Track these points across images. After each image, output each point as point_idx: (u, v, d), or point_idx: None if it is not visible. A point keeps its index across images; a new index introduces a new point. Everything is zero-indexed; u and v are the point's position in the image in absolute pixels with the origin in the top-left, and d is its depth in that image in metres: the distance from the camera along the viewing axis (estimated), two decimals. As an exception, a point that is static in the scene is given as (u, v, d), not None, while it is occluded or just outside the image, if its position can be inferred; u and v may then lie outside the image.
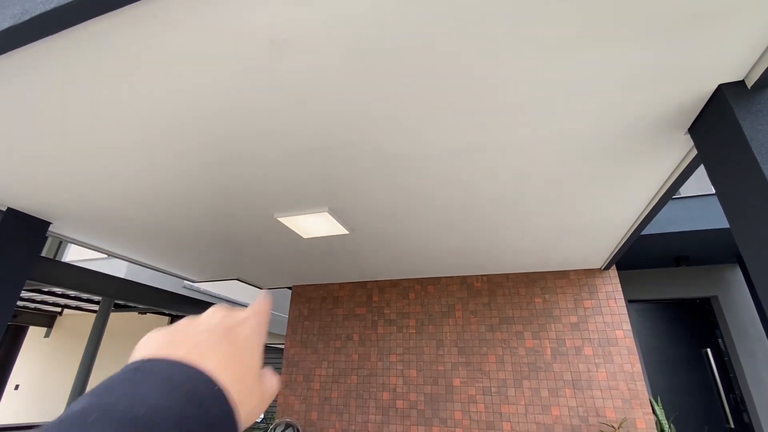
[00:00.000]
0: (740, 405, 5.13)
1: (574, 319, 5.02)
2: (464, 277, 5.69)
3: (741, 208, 1.92)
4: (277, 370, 6.40)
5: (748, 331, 5.25)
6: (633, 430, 4.30)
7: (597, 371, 4.69)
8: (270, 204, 3.42)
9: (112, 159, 2.74)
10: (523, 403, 4.78)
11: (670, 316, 5.81)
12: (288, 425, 2.48)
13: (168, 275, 6.07)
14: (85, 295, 6.74)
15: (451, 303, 5.59)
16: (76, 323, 9.04)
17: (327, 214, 3.48)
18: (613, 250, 4.47)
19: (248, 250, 4.76)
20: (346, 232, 3.98)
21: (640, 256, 5.32)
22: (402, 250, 4.65)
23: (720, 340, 5.47)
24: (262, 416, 2.94)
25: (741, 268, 5.25)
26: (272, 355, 6.87)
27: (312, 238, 4.26)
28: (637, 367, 4.59)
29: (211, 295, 8.71)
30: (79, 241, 4.55)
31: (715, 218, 4.56)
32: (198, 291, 8.61)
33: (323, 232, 4.01)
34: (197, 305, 7.39)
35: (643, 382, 4.52)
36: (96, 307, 7.50)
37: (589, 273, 5.20)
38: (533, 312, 5.20)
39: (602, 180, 2.95)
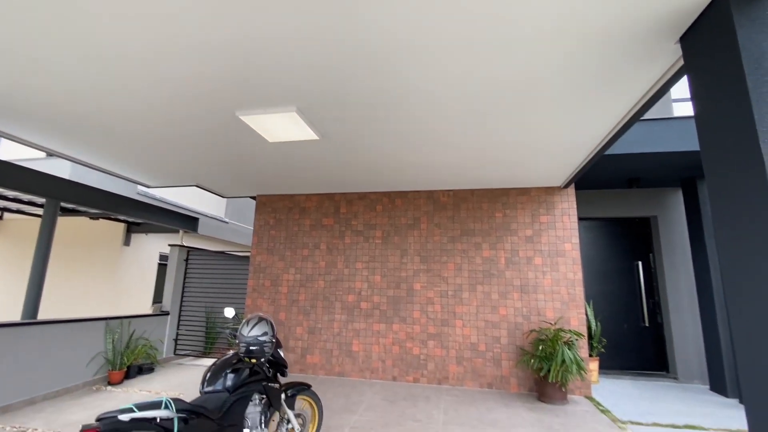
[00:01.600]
0: (656, 308, 6.01)
1: (529, 232, 5.36)
2: (431, 192, 5.77)
3: (715, 123, 1.95)
4: (244, 276, 6.54)
5: (676, 248, 5.93)
6: (566, 326, 4.95)
7: (543, 278, 5.19)
8: (230, 99, 3.09)
9: (49, 43, 2.24)
10: (475, 304, 5.29)
11: (613, 233, 6.38)
12: (261, 319, 2.56)
13: (120, 179, 5.65)
14: (26, 197, 6.21)
15: (417, 216, 5.74)
16: (23, 228, 8.50)
17: (295, 114, 3.22)
18: (576, 169, 4.63)
19: (208, 153, 4.44)
20: (316, 137, 3.76)
21: (596, 176, 5.59)
22: (372, 162, 4.54)
23: (651, 255, 6.17)
24: (233, 312, 3.01)
25: (683, 190, 5.70)
26: (238, 263, 6.93)
27: (279, 142, 4.02)
28: (579, 276, 5.12)
29: (169, 203, 8.37)
30: (13, 137, 4.00)
31: (672, 141, 4.77)
32: (154, 198, 8.21)
33: (291, 136, 3.76)
34: (153, 212, 7.10)
35: (581, 288, 5.09)
36: (41, 211, 7.01)
37: (549, 191, 5.44)
38: (493, 225, 5.48)
39: (578, 93, 2.88)
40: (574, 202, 5.34)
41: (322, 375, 5.53)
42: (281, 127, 3.52)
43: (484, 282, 5.33)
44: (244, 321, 2.54)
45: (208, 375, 2.35)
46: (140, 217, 6.96)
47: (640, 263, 6.19)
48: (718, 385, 5.06)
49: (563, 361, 4.25)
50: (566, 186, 5.35)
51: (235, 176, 5.41)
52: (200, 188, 6.01)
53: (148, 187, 6.05)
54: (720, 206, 1.92)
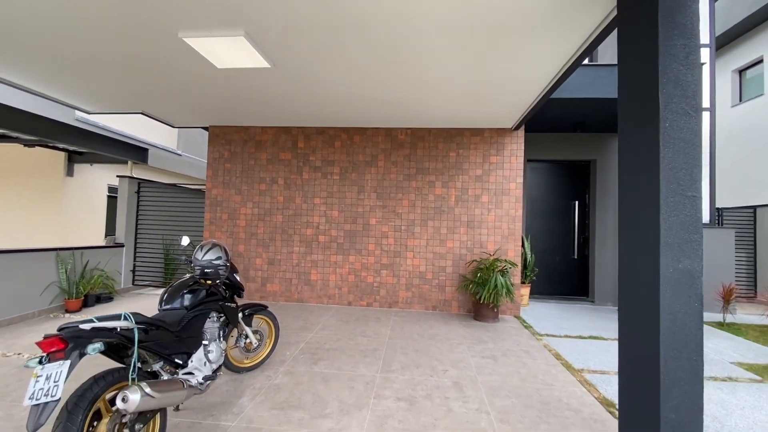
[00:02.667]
0: (585, 243, 6.77)
1: (479, 172, 5.67)
2: (389, 130, 5.83)
3: (628, 73, 2.16)
4: (201, 210, 6.51)
5: (609, 190, 6.54)
6: (504, 257, 5.50)
7: (488, 214, 5.62)
8: (171, 17, 2.89)
9: None
10: (425, 238, 5.70)
11: (556, 174, 6.87)
12: (214, 245, 2.70)
13: (55, 102, 5.19)
14: (-59, 120, 5.58)
15: (374, 153, 5.84)
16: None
17: (243, 39, 3.09)
18: (527, 109, 4.84)
19: (152, 78, 4.17)
20: (267, 65, 3.64)
21: (544, 120, 5.86)
22: (328, 96, 4.47)
23: (587, 196, 6.77)
24: (188, 241, 3.11)
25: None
26: (194, 196, 6.84)
27: (228, 69, 3.85)
28: (519, 213, 5.59)
29: (114, 132, 7.80)
30: None
31: (614, 88, 5.04)
32: (97, 126, 7.61)
33: (241, 62, 3.61)
34: (95, 141, 6.66)
35: (521, 224, 5.59)
36: (-37, 136, 6.35)
37: (501, 132, 5.67)
38: (446, 165, 5.72)
39: (534, 33, 2.97)
40: (522, 144, 5.64)
41: (282, 302, 5.89)
42: (229, 52, 3.37)
43: (435, 218, 5.70)
44: (198, 246, 2.67)
45: (166, 295, 2.52)
46: (81, 145, 6.53)
47: (576, 203, 6.80)
48: (625, 305, 5.96)
49: (495, 286, 4.82)
50: (516, 128, 5.59)
51: (184, 105, 5.15)
52: (147, 116, 5.67)
53: (87, 113, 5.62)
54: (624, 152, 2.21)
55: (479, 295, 4.98)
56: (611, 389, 3.21)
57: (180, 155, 10.13)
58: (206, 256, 2.60)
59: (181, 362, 2.33)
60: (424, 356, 3.79)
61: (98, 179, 8.38)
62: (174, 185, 7.07)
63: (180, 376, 2.30)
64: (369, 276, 5.76)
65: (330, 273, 5.83)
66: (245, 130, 6.09)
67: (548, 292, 6.82)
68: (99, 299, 5.59)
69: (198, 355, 2.46)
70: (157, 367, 2.17)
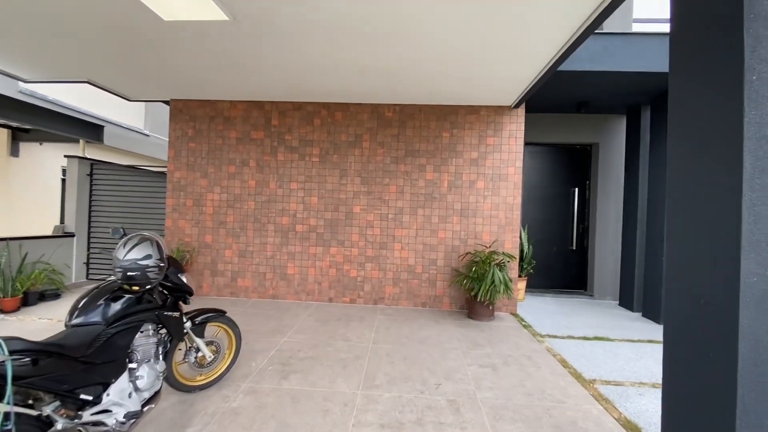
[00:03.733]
0: (585, 233, 6.34)
1: (474, 155, 5.12)
2: (376, 106, 5.20)
3: (694, 5, 1.60)
4: (161, 194, 5.80)
5: (611, 176, 6.09)
6: (500, 248, 5.01)
7: (484, 202, 5.09)
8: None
9: None
10: (415, 227, 5.15)
11: (555, 159, 6.38)
12: (143, 239, 2.08)
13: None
14: None
15: (359, 133, 5.21)
16: None
17: (186, -25, 2.41)
18: (529, 84, 4.28)
19: (91, 36, 3.44)
20: (226, 17, 2.96)
21: (545, 98, 5.32)
22: (303, 61, 3.81)
23: (587, 182, 6.31)
24: (120, 232, 2.48)
25: (627, 118, 5.67)
26: (157, 180, 6.12)
27: (178, 23, 3.15)
28: (518, 200, 5.08)
29: (65, 106, 6.93)
30: None
31: (628, 59, 4.51)
32: (45, 100, 6.73)
33: (192, 14, 2.93)
34: (40, 116, 5.84)
35: (519, 213, 5.09)
36: None
37: (499, 111, 5.10)
38: (439, 146, 5.14)
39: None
40: (523, 125, 5.10)
41: (255, 298, 5.30)
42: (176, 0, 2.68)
43: (426, 205, 5.14)
44: (120, 242, 2.05)
45: (79, 305, 1.91)
46: (24, 121, 5.71)
47: (576, 190, 6.33)
48: (626, 300, 5.58)
49: (493, 281, 4.33)
50: (516, 106, 5.03)
51: (135, 72, 4.41)
52: (94, 86, 4.89)
53: (24, 81, 4.81)
54: (682, 117, 1.67)
55: (474, 291, 4.48)
56: (631, 407, 2.75)
57: (148, 135, 9.26)
58: (129, 255, 1.98)
59: (91, 398, 1.74)
60: (414, 365, 3.27)
61: (50, 160, 7.50)
62: (133, 167, 6.30)
63: (87, 418, 1.70)
64: (352, 270, 5.20)
65: (309, 266, 5.24)
66: (211, 105, 5.37)
67: (544, 286, 6.39)
68: (43, 297, 4.89)
69: (119, 386, 1.87)
70: (49, 410, 1.57)
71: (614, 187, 6.12)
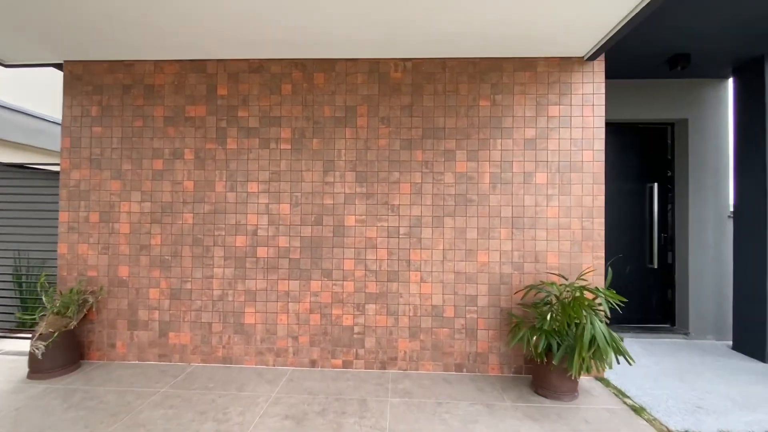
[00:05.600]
0: (668, 245, 4.57)
1: (530, 133, 3.33)
2: (375, 62, 3.39)
3: None
4: (52, 203, 3.91)
5: (707, 163, 4.35)
6: (575, 277, 3.21)
7: (547, 206, 3.30)
8: None
9: None
10: (441, 247, 3.32)
11: (625, 143, 4.62)
12: None
13: None
14: None
15: (351, 104, 3.40)
16: None
17: None
18: (613, 28, 2.53)
19: None
20: None
21: (623, 53, 3.60)
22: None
23: (670, 174, 4.57)
24: None
25: (737, 78, 3.94)
26: (40, 182, 4.23)
27: None
28: (600, 201, 3.29)
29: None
30: None
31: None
32: None
33: None
34: None
35: (602, 220, 3.29)
36: None
37: (566, 64, 3.33)
38: (474, 122, 3.35)
39: None
40: (603, 84, 3.32)
41: (197, 362, 3.42)
42: None
43: (457, 213, 3.33)
44: None
45: None
46: None
47: (654, 186, 4.56)
48: (747, 344, 3.80)
49: (594, 341, 2.51)
50: (592, 58, 3.27)
51: (9, 20, 2.58)
52: None
53: None
54: None
55: (556, 358, 2.66)
56: None
57: (48, 121, 6.74)
58: None
59: None
60: None
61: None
62: (21, 166, 4.42)
63: None
64: (345, 315, 3.36)
65: (278, 311, 3.39)
66: (126, 68, 3.53)
67: (617, 320, 4.58)
68: None
69: None
70: None
71: (712, 180, 4.36)
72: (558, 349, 2.70)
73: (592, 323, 2.52)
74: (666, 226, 4.61)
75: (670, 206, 4.60)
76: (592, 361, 2.54)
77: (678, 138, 4.51)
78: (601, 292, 2.82)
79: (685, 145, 4.40)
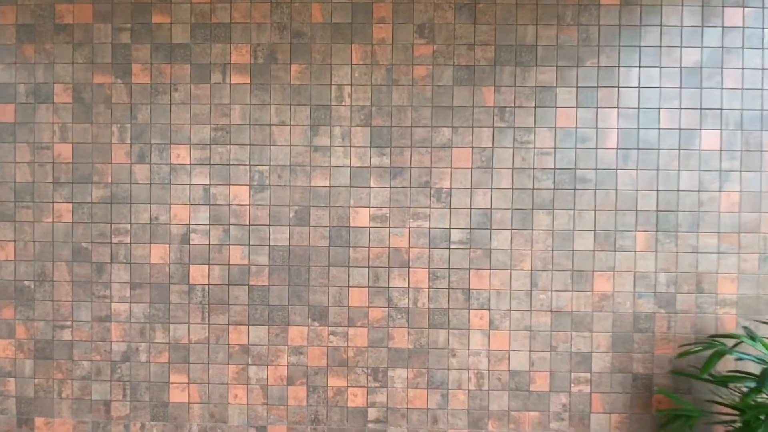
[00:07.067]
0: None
1: (692, 56, 1.81)
2: None
3: None
4: None
5: None
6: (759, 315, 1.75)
7: (720, 190, 1.81)
8: None
9: None
10: (526, 266, 1.82)
11: None
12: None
13: None
14: None
15: (362, 3, 1.83)
16: None
17: None
18: None
19: None
20: None
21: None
22: None
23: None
24: None
25: None
26: None
27: None
28: (818, 181, 1.80)
29: None
30: None
31: None
32: None
33: None
34: None
35: (818, 215, 1.81)
36: None
37: (765, -73, 1.79)
38: (590, 34, 1.81)
39: None
40: (831, -34, 1.80)
41: (87, 467, 1.91)
42: None
43: (558, 204, 1.82)
44: None
45: None
46: None
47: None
48: None
49: None
50: None
51: None
52: None
53: None
54: None
55: None
56: None
57: None
58: None
59: None
60: None
61: None
62: None
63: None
64: (353, 389, 1.85)
65: (232, 381, 1.87)
66: (-63, -70, 1.90)
67: None
68: None
69: None
70: None
71: None
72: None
73: None
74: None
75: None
76: None
77: None
78: None
79: None
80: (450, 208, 1.83)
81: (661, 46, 1.81)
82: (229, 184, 1.86)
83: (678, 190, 1.81)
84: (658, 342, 1.83)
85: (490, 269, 1.82)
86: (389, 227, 1.84)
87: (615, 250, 1.82)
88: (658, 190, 1.81)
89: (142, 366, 1.88)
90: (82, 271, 1.88)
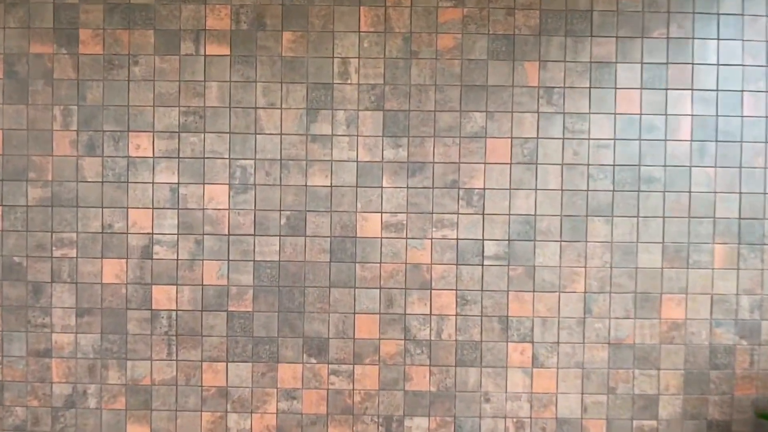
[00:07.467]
0: None
1: (787, 26, 1.46)
2: None
3: None
4: None
5: None
6: None
7: (815, 193, 1.46)
8: None
9: None
10: (579, 287, 1.46)
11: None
12: None
13: None
14: None
15: (370, -42, 1.45)
16: None
17: None
18: None
19: None
20: None
21: None
22: None
23: None
24: None
25: None
26: None
27: None
28: None
29: None
30: None
31: None
32: None
33: None
34: None
35: None
36: None
37: None
38: (657, 1, 1.46)
39: None
40: None
41: None
42: None
43: (618, 209, 1.46)
44: None
45: None
46: None
47: None
48: None
49: None
50: None
51: None
52: None
53: None
54: None
55: None
56: None
57: None
58: None
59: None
60: None
61: None
62: None
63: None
64: (361, 442, 1.48)
65: (206, 430, 1.48)
66: None
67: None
68: None
69: None
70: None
71: None
72: None
73: None
74: None
75: None
76: None
77: None
78: None
79: None
80: (483, 214, 1.45)
81: (743, 15, 1.46)
82: (204, 183, 1.46)
83: (765, 193, 1.46)
84: (738, 381, 1.47)
85: (533, 291, 1.45)
86: (406, 238, 1.46)
87: (688, 268, 1.46)
88: (740, 193, 1.46)
89: (92, 413, 1.48)
90: (15, 293, 1.47)
